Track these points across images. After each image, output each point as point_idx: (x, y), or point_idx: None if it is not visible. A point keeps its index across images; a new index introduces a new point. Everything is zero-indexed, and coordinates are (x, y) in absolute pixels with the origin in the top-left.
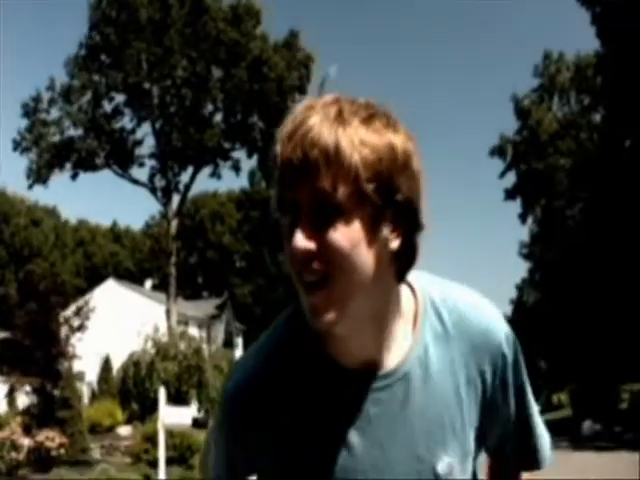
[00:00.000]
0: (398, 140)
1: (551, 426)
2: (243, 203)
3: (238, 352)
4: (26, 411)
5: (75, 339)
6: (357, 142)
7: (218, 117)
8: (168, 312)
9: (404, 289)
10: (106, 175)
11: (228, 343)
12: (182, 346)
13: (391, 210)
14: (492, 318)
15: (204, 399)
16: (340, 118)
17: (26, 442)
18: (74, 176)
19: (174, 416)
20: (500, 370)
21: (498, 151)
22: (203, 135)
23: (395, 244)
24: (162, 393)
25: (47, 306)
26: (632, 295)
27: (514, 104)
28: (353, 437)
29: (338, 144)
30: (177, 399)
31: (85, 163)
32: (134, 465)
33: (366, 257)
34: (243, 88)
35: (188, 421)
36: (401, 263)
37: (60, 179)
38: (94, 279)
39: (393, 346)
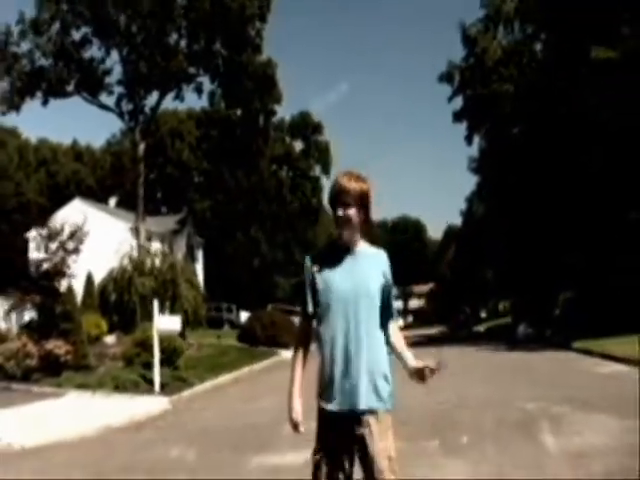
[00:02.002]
0: (365, 186)
1: (494, 331)
2: (203, 122)
3: (199, 265)
4: (28, 325)
5: (71, 260)
6: (358, 188)
7: (182, 45)
8: (137, 230)
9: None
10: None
11: (189, 256)
12: (157, 262)
13: (363, 208)
14: (383, 252)
15: (178, 309)
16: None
17: (37, 351)
18: (45, 102)
19: (166, 323)
20: (385, 267)
21: (446, 77)
22: (168, 62)
23: (362, 216)
24: (156, 304)
25: (17, 225)
26: (570, 210)
27: (462, 33)
28: (344, 271)
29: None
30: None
31: (55, 90)
32: (128, 367)
33: (357, 221)
34: (206, 17)
35: (178, 327)
36: (366, 221)
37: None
38: (58, 198)
39: (358, 246)
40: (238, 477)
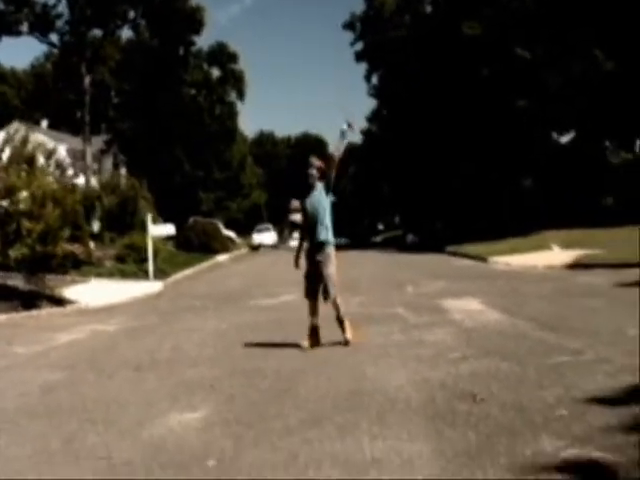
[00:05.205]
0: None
1: (388, 240)
2: (126, 49)
3: (123, 180)
4: None
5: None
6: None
7: None
8: (83, 152)
9: None
10: None
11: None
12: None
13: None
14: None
15: (136, 223)
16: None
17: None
18: None
19: (158, 230)
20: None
21: (350, 26)
22: (112, 7)
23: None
24: (149, 216)
25: None
26: (455, 138)
27: None
28: (310, 199)
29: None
30: (118, 225)
31: (10, 30)
32: (123, 263)
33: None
34: None
35: (173, 231)
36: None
37: None
38: None
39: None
40: (246, 309)
